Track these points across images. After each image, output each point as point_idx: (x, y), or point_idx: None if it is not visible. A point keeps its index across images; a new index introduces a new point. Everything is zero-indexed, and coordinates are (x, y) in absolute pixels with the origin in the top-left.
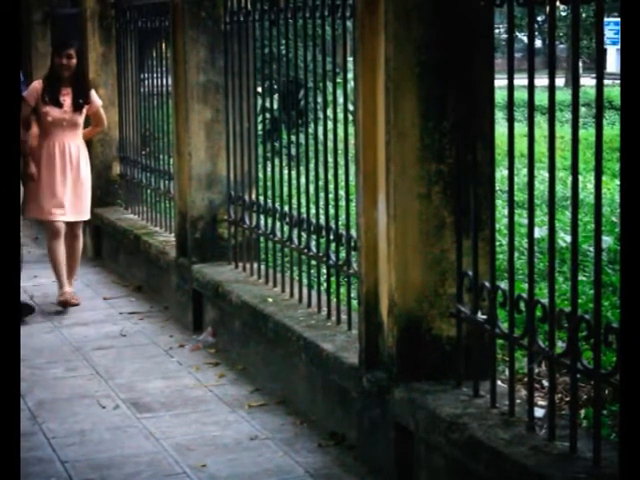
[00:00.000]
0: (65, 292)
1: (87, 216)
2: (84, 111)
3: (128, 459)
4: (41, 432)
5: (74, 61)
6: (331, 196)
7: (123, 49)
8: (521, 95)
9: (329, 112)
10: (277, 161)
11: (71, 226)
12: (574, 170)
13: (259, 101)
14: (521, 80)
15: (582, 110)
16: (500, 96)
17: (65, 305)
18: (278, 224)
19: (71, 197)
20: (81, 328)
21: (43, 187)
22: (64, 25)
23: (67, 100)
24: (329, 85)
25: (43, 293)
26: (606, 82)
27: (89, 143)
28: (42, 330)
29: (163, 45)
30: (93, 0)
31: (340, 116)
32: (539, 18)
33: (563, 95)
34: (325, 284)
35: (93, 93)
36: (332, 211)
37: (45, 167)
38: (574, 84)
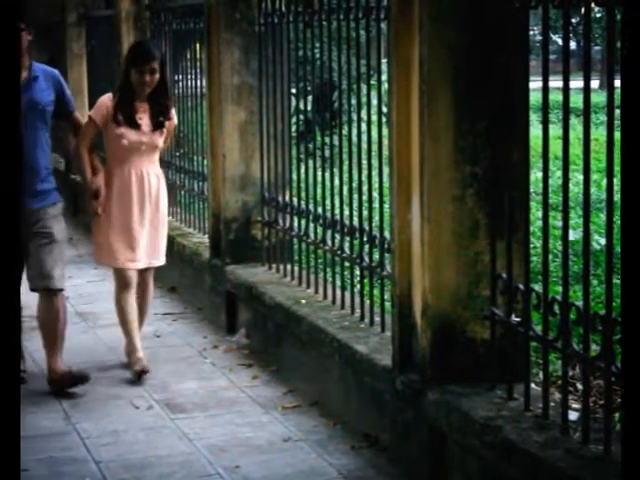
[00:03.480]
0: (139, 359)
1: (163, 260)
2: (164, 131)
3: (162, 460)
4: (75, 432)
5: (157, 76)
6: (365, 198)
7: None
8: (556, 97)
9: (363, 114)
10: (311, 163)
11: (142, 272)
12: (609, 172)
13: (293, 103)
14: (556, 82)
15: (617, 112)
16: (535, 98)
17: (140, 375)
18: (312, 225)
19: (148, 238)
20: (116, 329)
21: (115, 227)
22: (99, 27)
23: (144, 119)
24: (363, 87)
25: (78, 294)
26: None
27: None
28: (77, 330)
29: (197, 47)
30: (128, 2)
31: (374, 118)
32: (573, 20)
33: (597, 97)
34: (358, 286)
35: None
36: (366, 213)
37: (118, 202)
38: (609, 86)
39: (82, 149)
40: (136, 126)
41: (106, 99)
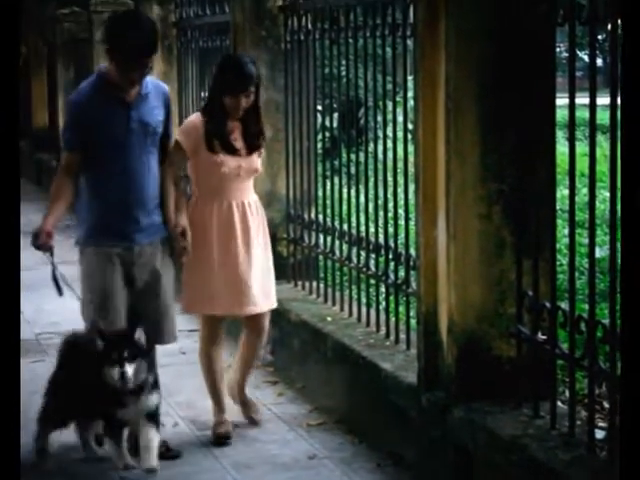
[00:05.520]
0: (225, 421)
1: (274, 302)
2: (261, 152)
3: (188, 477)
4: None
5: (252, 98)
6: (390, 215)
7: (184, 68)
8: (582, 114)
9: (389, 131)
10: (336, 180)
11: (256, 318)
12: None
13: (319, 120)
14: (582, 99)
15: None
16: (561, 115)
17: (224, 439)
18: (337, 243)
19: (260, 278)
20: None
21: (218, 269)
22: None
23: (238, 139)
24: (389, 104)
25: None
26: None
27: None
28: None
29: None
30: (155, 19)
31: (400, 135)
32: (600, 36)
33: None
34: (384, 303)
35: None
36: (391, 230)
37: (219, 239)
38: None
39: (169, 182)
40: (234, 151)
41: (196, 121)
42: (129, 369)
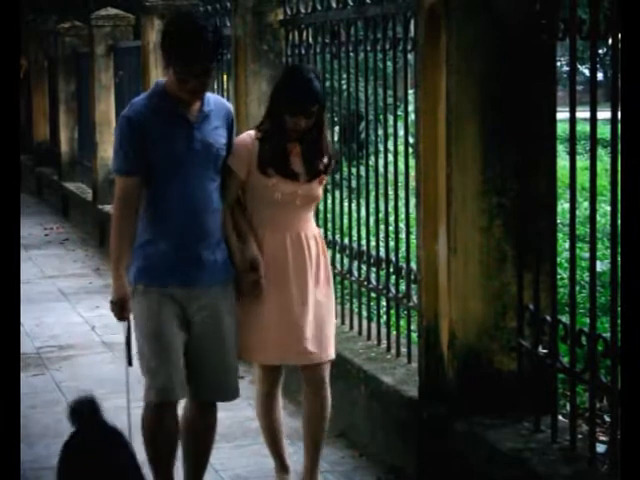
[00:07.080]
0: None
1: (333, 352)
2: (324, 179)
3: None
4: None
5: (313, 120)
6: (391, 228)
7: None
8: (582, 128)
9: (389, 144)
10: (337, 193)
11: (312, 369)
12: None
13: None
14: (583, 113)
15: None
16: (561, 129)
17: None
18: (338, 256)
19: (313, 323)
20: None
21: (269, 311)
22: (127, 57)
23: (296, 162)
24: (389, 118)
25: (104, 324)
26: None
27: None
28: (104, 361)
29: (225, 78)
30: (155, 33)
31: (400, 148)
32: (600, 50)
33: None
34: (385, 317)
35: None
36: (392, 243)
37: (270, 276)
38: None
39: (226, 212)
40: (290, 175)
41: (247, 140)
42: None
